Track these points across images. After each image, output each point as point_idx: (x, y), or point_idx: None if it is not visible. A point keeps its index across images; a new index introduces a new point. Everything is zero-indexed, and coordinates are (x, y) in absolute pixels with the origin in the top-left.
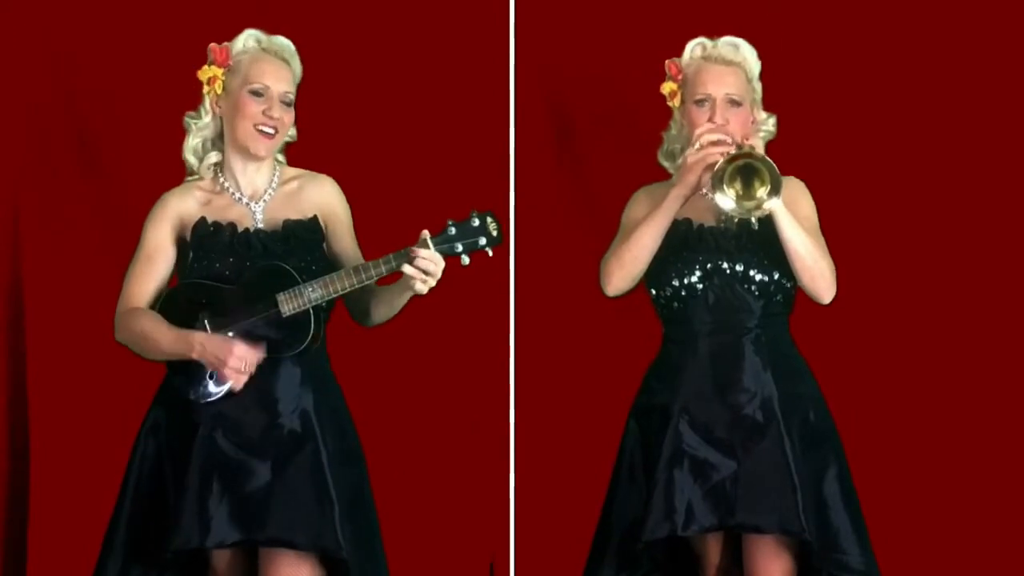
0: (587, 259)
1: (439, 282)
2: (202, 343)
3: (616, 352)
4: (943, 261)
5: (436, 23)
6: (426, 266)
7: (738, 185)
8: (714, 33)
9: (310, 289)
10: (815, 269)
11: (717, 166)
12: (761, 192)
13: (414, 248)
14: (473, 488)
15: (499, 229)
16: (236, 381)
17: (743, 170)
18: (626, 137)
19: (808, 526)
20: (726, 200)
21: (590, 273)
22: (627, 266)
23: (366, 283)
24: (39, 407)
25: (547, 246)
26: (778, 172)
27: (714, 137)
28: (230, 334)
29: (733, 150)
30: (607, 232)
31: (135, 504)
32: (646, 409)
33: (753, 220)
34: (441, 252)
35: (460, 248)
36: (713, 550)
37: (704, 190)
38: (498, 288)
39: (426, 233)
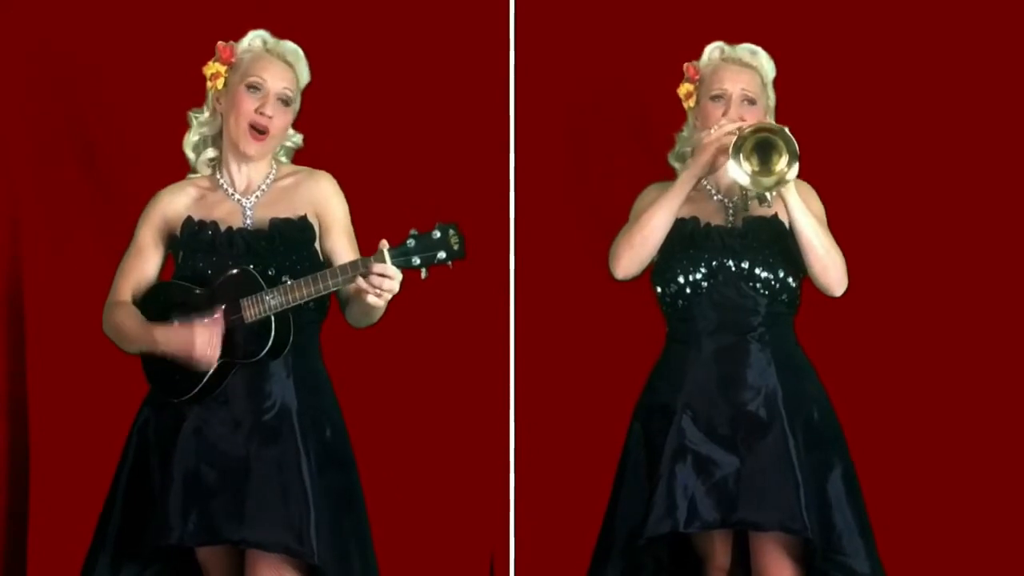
0: (586, 258)
1: (436, 283)
2: (165, 336)
3: (615, 350)
4: (948, 262)
5: (436, 23)
6: (379, 282)
7: (755, 161)
8: (718, 32)
9: (269, 296)
10: (827, 259)
11: (736, 137)
12: (780, 164)
13: (370, 260)
14: (473, 485)
15: (461, 243)
16: (208, 360)
17: (760, 147)
18: (627, 135)
19: (810, 525)
20: (741, 173)
21: (589, 272)
22: (636, 247)
23: (324, 293)
24: (39, 407)
25: (547, 245)
26: (795, 143)
27: (731, 127)
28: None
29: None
30: (607, 232)
31: (126, 500)
32: (649, 409)
33: (768, 197)
34: (398, 265)
35: (418, 261)
36: (719, 550)
37: (714, 191)
38: (498, 288)
39: (384, 244)
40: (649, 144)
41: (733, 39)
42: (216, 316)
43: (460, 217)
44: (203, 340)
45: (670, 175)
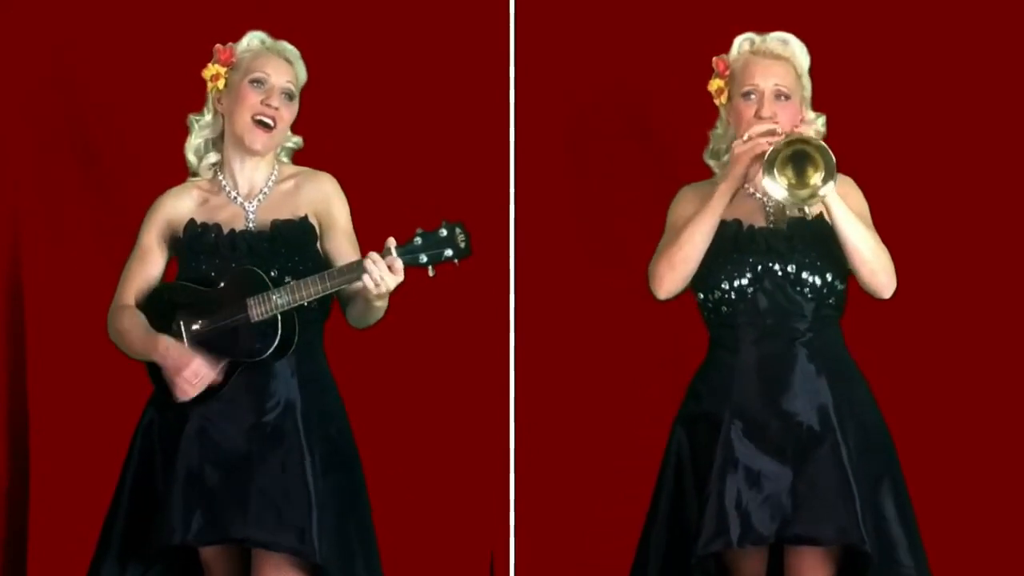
0: (586, 258)
1: (437, 283)
2: (166, 347)
3: (615, 350)
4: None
5: (436, 23)
6: (384, 276)
7: (790, 173)
8: (724, 30)
9: (276, 295)
10: (875, 263)
11: (768, 152)
12: (815, 179)
13: (377, 256)
14: (473, 485)
15: (468, 241)
16: (181, 393)
17: (795, 158)
18: (627, 135)
19: (867, 536)
20: (777, 188)
21: (589, 272)
22: (678, 267)
23: (331, 290)
24: (39, 407)
25: (547, 245)
26: (832, 156)
27: (763, 128)
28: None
29: (783, 139)
30: (607, 232)
31: (131, 501)
32: (694, 417)
33: (807, 211)
34: (406, 263)
35: (424, 259)
36: (754, 564)
37: (751, 189)
38: (498, 288)
39: (391, 241)
40: (649, 144)
41: (735, 35)
42: (219, 366)
43: (460, 217)
44: (192, 371)
45: (670, 174)
